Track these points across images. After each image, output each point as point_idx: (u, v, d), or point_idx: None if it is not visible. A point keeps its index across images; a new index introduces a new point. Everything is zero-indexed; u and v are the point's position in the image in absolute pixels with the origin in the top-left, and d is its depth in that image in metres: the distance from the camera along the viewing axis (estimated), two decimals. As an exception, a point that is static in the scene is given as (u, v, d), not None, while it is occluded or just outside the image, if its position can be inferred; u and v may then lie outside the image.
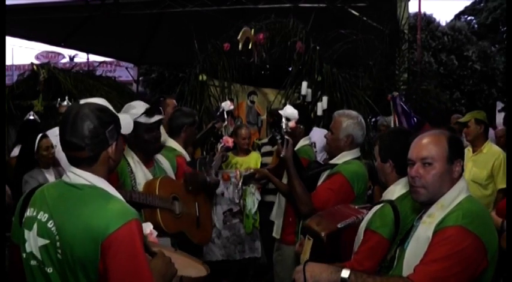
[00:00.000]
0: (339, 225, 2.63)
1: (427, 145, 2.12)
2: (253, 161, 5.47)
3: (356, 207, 2.91)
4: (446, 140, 2.11)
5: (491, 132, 8.18)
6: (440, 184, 2.09)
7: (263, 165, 5.39)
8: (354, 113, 3.58)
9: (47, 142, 4.37)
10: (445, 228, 1.97)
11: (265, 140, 5.91)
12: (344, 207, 2.92)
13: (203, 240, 3.69)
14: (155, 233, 2.45)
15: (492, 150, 5.01)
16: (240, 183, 4.76)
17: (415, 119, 5.97)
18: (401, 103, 6.08)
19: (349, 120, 3.44)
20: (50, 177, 4.30)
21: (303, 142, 4.21)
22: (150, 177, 3.25)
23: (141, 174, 3.21)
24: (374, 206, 2.61)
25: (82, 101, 1.95)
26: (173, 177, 3.51)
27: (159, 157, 3.46)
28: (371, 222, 2.47)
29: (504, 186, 4.66)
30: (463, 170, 2.13)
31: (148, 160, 3.31)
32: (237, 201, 4.96)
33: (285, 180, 4.02)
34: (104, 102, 1.98)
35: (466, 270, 1.92)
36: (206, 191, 3.72)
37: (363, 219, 2.64)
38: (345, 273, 1.98)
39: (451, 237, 1.93)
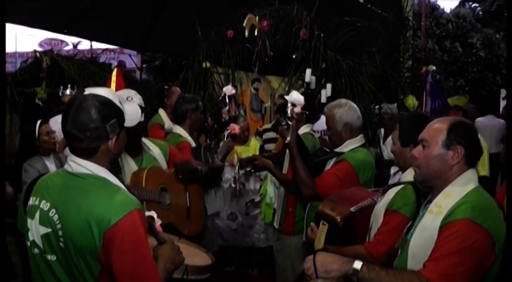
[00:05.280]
0: (352, 209, 2.65)
1: (429, 128, 2.17)
2: (252, 149, 5.45)
3: (369, 190, 2.91)
4: (448, 125, 2.10)
5: (497, 121, 8.14)
6: (432, 166, 2.11)
7: (266, 152, 5.37)
8: (342, 100, 3.57)
9: (46, 127, 4.31)
10: (453, 221, 1.96)
11: (268, 126, 5.87)
12: (357, 189, 2.93)
13: (193, 231, 3.54)
14: (159, 221, 2.46)
15: None
16: (237, 168, 4.69)
17: (439, 102, 5.70)
18: (432, 81, 5.83)
19: (340, 110, 3.43)
20: (51, 165, 4.26)
21: (304, 129, 4.17)
22: (136, 168, 3.21)
23: (128, 165, 3.19)
24: (390, 188, 2.62)
25: (87, 91, 1.91)
26: (164, 165, 3.44)
27: (150, 145, 3.41)
28: (392, 203, 2.49)
29: (484, 173, 4.67)
30: (466, 158, 2.10)
31: (136, 150, 3.27)
32: (233, 185, 4.87)
33: (286, 168, 4.02)
34: (109, 93, 1.95)
35: (476, 264, 1.92)
36: (198, 179, 3.64)
37: (376, 201, 2.65)
38: (358, 264, 1.97)
39: (460, 231, 1.92)
